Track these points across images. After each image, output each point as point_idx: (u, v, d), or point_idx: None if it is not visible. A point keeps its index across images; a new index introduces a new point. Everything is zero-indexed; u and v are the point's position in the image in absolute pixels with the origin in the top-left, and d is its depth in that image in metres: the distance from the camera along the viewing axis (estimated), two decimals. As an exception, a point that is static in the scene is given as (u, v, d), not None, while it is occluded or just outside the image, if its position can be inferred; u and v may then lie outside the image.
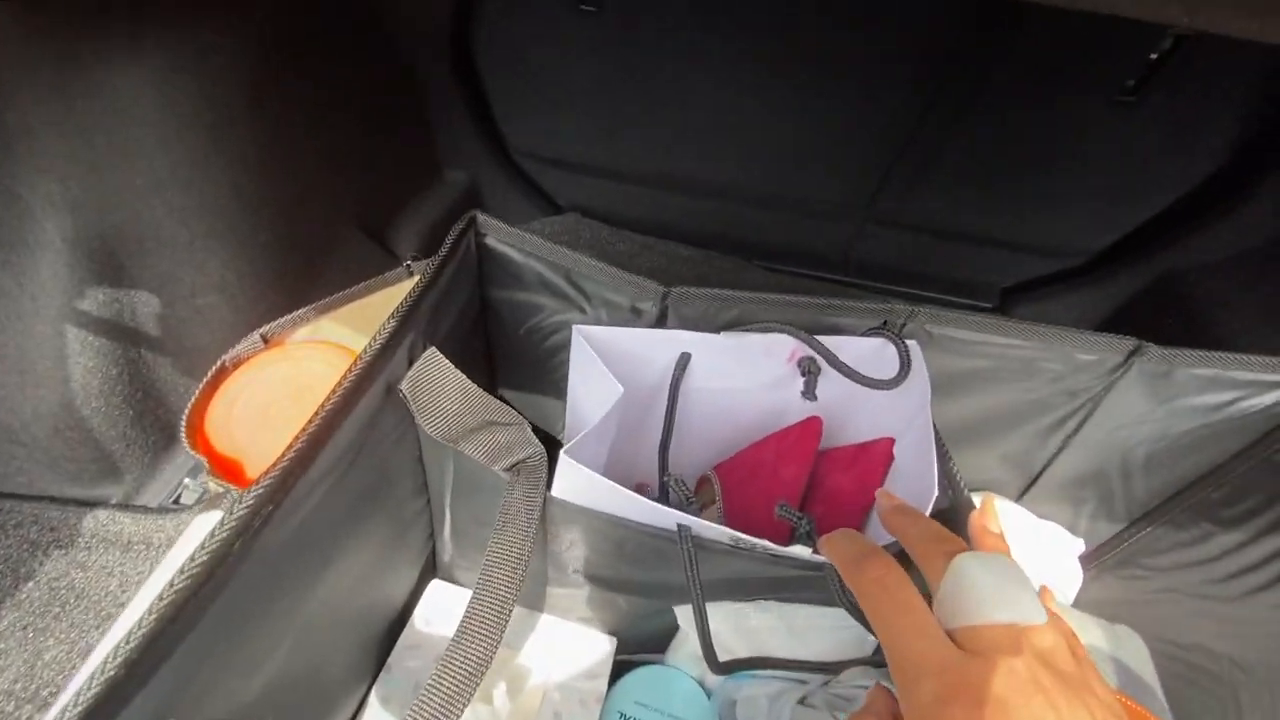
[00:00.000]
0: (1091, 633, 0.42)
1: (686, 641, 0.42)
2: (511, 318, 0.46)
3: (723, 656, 0.37)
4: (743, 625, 0.38)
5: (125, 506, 0.57)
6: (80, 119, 0.48)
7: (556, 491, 0.32)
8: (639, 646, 0.45)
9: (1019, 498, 0.51)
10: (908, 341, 0.38)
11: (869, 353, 0.39)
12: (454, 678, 0.26)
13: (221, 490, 0.34)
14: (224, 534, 0.22)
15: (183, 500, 0.60)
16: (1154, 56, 0.66)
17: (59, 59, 0.47)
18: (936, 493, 0.31)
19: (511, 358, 0.48)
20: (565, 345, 0.47)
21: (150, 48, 0.49)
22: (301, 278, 0.66)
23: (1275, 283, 0.74)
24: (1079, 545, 0.51)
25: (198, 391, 0.36)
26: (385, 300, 0.41)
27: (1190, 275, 0.80)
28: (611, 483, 0.29)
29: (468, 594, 0.43)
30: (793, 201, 0.93)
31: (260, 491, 0.24)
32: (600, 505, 0.32)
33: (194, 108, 0.52)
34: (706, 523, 0.30)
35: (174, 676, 0.21)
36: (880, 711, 0.25)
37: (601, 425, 0.33)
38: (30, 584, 0.50)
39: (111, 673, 0.19)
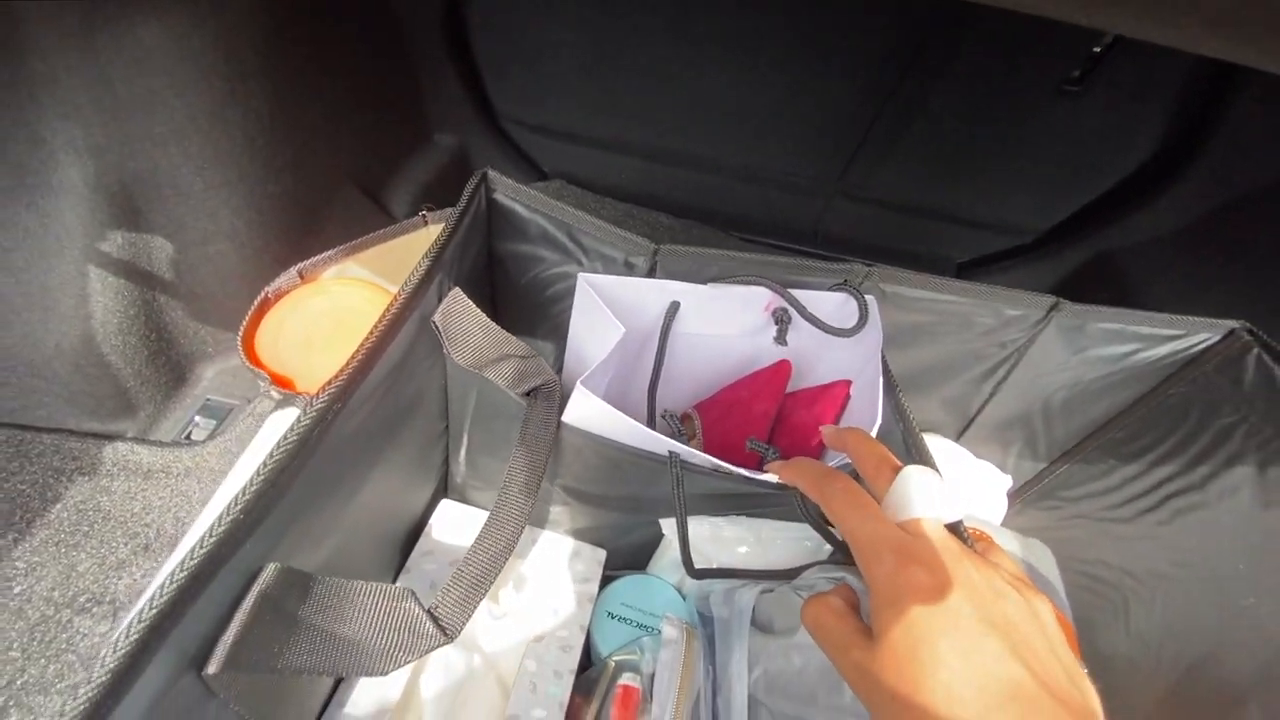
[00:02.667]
0: (1007, 542, 0.49)
1: (667, 552, 0.48)
2: (515, 268, 0.51)
3: (699, 563, 0.44)
4: (717, 535, 0.45)
5: (141, 440, 0.60)
6: (103, 67, 0.50)
7: (568, 418, 0.37)
8: (623, 563, 0.51)
9: (957, 438, 0.58)
10: (867, 296, 0.44)
11: (833, 306, 0.45)
12: (486, 555, 0.31)
13: (281, 397, 0.38)
14: (309, 420, 0.27)
15: (193, 437, 0.64)
16: (1096, 50, 0.73)
17: (84, 10, 0.49)
18: (880, 420, 0.38)
19: (513, 305, 0.53)
20: (563, 295, 0.53)
21: (170, 1, 0.52)
22: (304, 231, 0.69)
23: (1194, 260, 0.83)
24: (1007, 481, 0.58)
25: (246, 318, 0.41)
26: (403, 246, 0.45)
27: (1123, 253, 0.89)
28: (619, 412, 0.34)
29: (476, 512, 0.49)
30: (768, 175, 0.98)
31: (333, 391, 0.29)
32: (604, 431, 0.37)
33: (210, 60, 0.54)
34: (694, 451, 0.36)
35: (272, 530, 0.26)
36: (844, 595, 0.31)
37: (605, 362, 0.38)
38: (58, 506, 0.54)
39: (233, 517, 0.24)
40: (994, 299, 0.46)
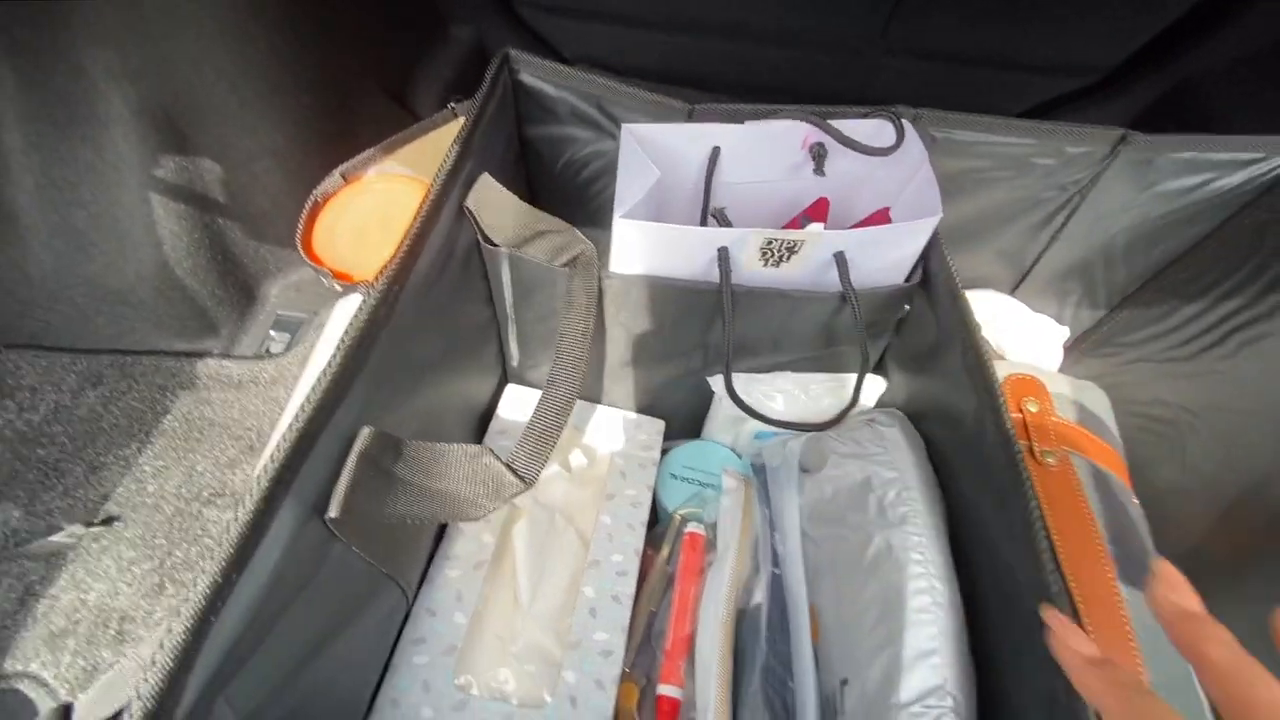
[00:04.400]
0: (1059, 384, 0.49)
1: (719, 412, 0.50)
2: (549, 153, 0.51)
3: (748, 418, 0.46)
4: (763, 389, 0.47)
5: (227, 355, 0.65)
6: (125, -13, 0.51)
7: (615, 264, 0.39)
8: (679, 433, 0.54)
9: (1012, 292, 0.57)
10: (902, 119, 0.42)
11: (870, 133, 0.43)
12: (550, 410, 0.34)
13: (343, 288, 0.41)
14: (373, 300, 0.29)
15: (271, 350, 0.69)
16: None
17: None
18: (940, 214, 0.38)
19: (550, 193, 0.54)
20: (599, 175, 0.52)
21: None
22: (340, 140, 0.69)
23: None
24: (1064, 332, 0.57)
25: (301, 222, 0.43)
26: (437, 139, 0.46)
27: (1200, 83, 0.80)
28: (665, 224, 0.36)
29: (539, 392, 0.51)
30: (804, 36, 0.91)
31: (389, 275, 0.31)
32: (651, 264, 0.39)
33: (226, -31, 0.53)
34: (744, 230, 0.37)
35: (359, 398, 0.29)
36: None
37: (642, 201, 0.38)
38: (168, 417, 0.60)
39: (324, 386, 0.27)
40: (1055, 137, 0.43)
